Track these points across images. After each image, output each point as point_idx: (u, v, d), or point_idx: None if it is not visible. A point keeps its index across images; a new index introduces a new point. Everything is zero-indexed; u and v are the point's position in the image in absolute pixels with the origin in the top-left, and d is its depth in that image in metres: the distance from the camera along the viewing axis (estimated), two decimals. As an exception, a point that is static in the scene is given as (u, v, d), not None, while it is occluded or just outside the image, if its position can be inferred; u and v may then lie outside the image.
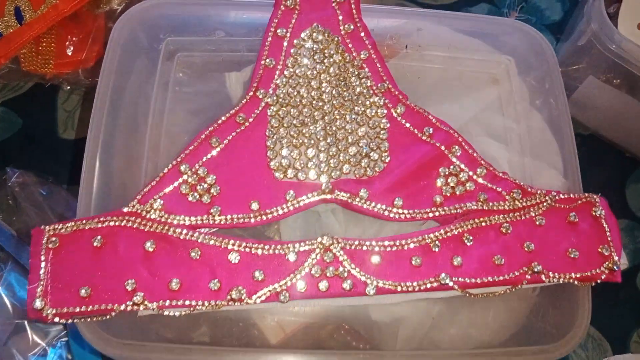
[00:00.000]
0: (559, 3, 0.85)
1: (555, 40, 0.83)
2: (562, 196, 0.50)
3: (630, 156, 0.76)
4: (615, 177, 0.75)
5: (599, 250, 0.48)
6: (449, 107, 0.55)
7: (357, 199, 0.48)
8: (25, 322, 0.58)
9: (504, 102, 0.56)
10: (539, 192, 0.50)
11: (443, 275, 0.45)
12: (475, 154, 0.50)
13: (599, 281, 0.48)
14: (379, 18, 0.56)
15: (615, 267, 0.48)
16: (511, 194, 0.49)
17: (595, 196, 0.50)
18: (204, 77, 0.56)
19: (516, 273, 0.46)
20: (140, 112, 0.53)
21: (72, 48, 0.67)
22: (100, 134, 0.50)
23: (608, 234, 0.49)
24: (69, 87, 0.72)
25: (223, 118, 0.49)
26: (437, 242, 0.47)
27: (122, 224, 0.45)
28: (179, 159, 0.48)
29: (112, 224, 0.45)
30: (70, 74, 0.69)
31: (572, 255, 0.48)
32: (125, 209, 0.46)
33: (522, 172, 0.54)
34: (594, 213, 0.50)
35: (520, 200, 0.49)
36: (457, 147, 0.50)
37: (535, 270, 0.46)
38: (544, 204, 0.49)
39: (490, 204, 0.49)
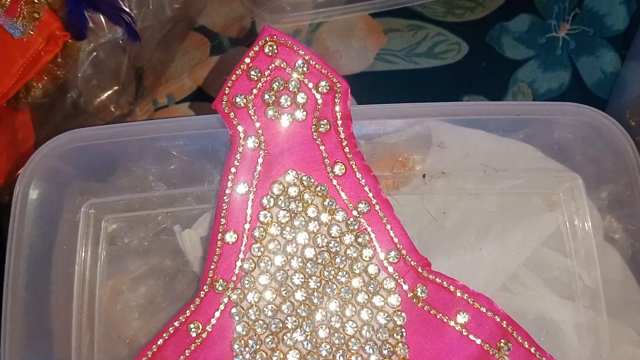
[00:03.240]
0: (623, 6, 0.64)
1: (619, 58, 0.63)
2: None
3: None
4: None
5: None
6: (489, 249, 0.40)
7: None
8: None
9: (567, 236, 0.40)
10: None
11: None
12: (532, 349, 0.35)
13: None
14: (374, 125, 0.39)
15: None
16: (587, 410, 0.34)
17: None
18: (146, 230, 0.41)
19: None
20: (66, 294, 0.39)
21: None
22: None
23: None
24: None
25: (170, 330, 0.35)
26: None
27: None
28: (114, 400, 0.34)
29: None
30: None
31: None
32: None
33: (594, 339, 0.39)
34: None
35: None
36: (506, 341, 0.35)
37: None
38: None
39: None
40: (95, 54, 0.54)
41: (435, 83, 0.62)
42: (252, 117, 0.36)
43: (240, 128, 0.36)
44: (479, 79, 0.63)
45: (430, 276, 0.36)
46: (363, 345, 0.35)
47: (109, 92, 0.57)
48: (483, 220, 0.40)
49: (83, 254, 0.40)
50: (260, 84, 0.36)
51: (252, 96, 0.36)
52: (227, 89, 0.36)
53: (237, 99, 0.36)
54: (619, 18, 0.64)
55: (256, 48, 0.36)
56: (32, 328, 0.37)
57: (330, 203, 0.36)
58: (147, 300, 0.41)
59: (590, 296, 0.39)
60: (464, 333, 0.35)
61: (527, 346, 0.35)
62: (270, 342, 0.35)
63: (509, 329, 0.35)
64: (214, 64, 0.61)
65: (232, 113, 0.36)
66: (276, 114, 0.36)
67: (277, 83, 0.36)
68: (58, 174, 0.40)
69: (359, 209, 0.36)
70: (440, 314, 0.35)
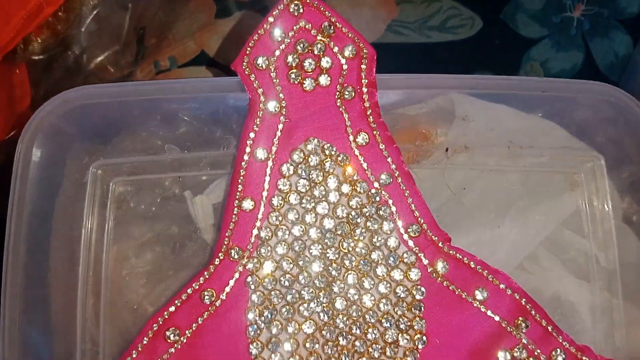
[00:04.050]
0: (639, -13, 0.64)
1: (632, 41, 0.62)
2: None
3: None
4: None
5: None
6: (508, 227, 0.39)
7: (381, 410, 0.34)
8: None
9: (587, 217, 0.39)
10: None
11: None
12: (550, 327, 0.35)
13: None
14: (397, 95, 0.38)
15: None
16: (602, 391, 0.34)
17: None
18: (155, 194, 0.40)
19: None
20: (69, 259, 0.38)
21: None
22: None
23: None
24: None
25: (182, 297, 0.34)
26: None
27: None
28: (123, 366, 0.33)
29: None
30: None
31: None
32: None
33: (608, 321, 0.39)
34: None
35: (615, 400, 0.34)
36: (523, 318, 0.34)
37: None
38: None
39: (572, 409, 0.34)
40: (97, 10, 0.52)
41: (447, 58, 0.61)
42: (274, 81, 0.34)
43: (260, 91, 0.34)
44: (491, 55, 0.61)
45: (451, 252, 0.35)
46: (380, 318, 0.34)
47: (109, 52, 0.55)
48: (503, 198, 0.39)
49: (90, 217, 0.38)
50: (283, 45, 0.34)
51: (275, 58, 0.34)
52: (248, 49, 0.34)
53: (259, 60, 0.34)
54: (632, 1, 0.63)
55: (280, 7, 0.34)
56: (33, 292, 0.36)
57: (352, 173, 0.35)
58: (153, 267, 0.40)
59: (607, 278, 0.39)
60: (482, 309, 0.34)
61: (544, 324, 0.35)
62: (285, 313, 0.34)
63: (527, 306, 0.35)
64: (220, 27, 0.59)
65: (252, 75, 0.34)
66: (299, 78, 0.34)
67: (301, 45, 0.34)
68: (62, 133, 0.38)
69: (381, 181, 0.35)
70: (459, 290, 0.35)
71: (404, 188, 0.35)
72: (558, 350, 0.34)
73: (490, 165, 0.39)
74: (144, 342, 0.33)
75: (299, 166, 0.35)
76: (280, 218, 0.35)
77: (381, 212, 0.35)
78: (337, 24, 0.34)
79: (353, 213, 0.35)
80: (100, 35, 0.54)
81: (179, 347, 0.33)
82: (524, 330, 0.34)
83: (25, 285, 0.35)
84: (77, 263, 0.37)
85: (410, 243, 0.35)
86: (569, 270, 0.39)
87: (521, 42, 0.61)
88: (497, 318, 0.34)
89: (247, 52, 0.34)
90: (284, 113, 0.35)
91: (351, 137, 0.35)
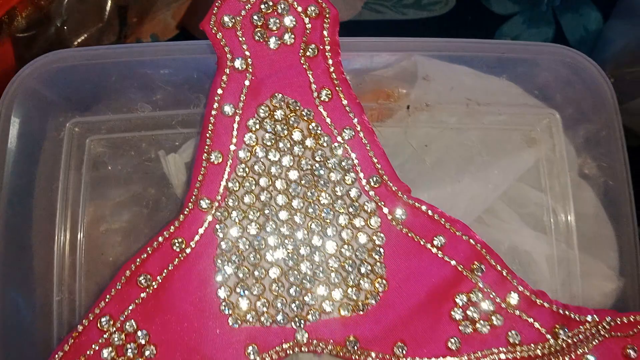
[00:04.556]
0: (608, -36, 0.66)
1: (602, 16, 0.64)
2: (618, 321, 0.37)
3: None
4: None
5: (666, 396, 0.36)
6: (468, 182, 0.41)
7: (344, 350, 0.35)
8: None
9: (543, 172, 0.41)
10: (589, 319, 0.36)
11: None
12: (504, 271, 0.36)
13: None
14: (363, 58, 0.40)
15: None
16: (554, 330, 0.36)
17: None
18: (130, 155, 0.41)
19: None
20: (48, 214, 0.39)
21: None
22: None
23: (680, 372, 0.36)
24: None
25: (154, 244, 0.36)
26: (452, 411, 0.35)
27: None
28: (96, 310, 0.35)
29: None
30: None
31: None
32: (32, 387, 0.34)
33: (566, 272, 0.40)
34: (661, 341, 0.37)
35: (566, 338, 0.36)
36: (479, 263, 0.36)
37: None
38: (595, 336, 0.36)
39: (526, 347, 0.36)
40: (78, -14, 0.53)
41: (422, 34, 0.62)
42: (240, 39, 0.36)
43: (227, 49, 0.36)
44: (464, 32, 0.63)
45: (410, 201, 0.37)
46: (343, 263, 0.36)
47: (92, 29, 0.56)
48: (463, 155, 0.41)
49: (68, 173, 0.40)
50: (249, 5, 0.36)
51: (240, 17, 0.36)
52: (215, 8, 0.36)
53: (225, 19, 0.36)
54: (603, -23, 0.65)
55: (246, -31, 0.36)
56: (13, 244, 0.38)
57: (316, 128, 0.37)
58: (130, 225, 0.41)
59: (563, 230, 0.41)
60: (440, 255, 0.36)
61: (499, 269, 0.36)
62: (252, 259, 0.36)
63: (482, 252, 0.36)
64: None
65: (219, 34, 0.36)
66: (264, 36, 0.36)
67: (265, 5, 0.36)
68: (41, 94, 0.40)
69: (344, 135, 0.37)
70: (418, 237, 0.36)
71: (366, 142, 0.37)
72: (512, 292, 0.36)
73: (450, 124, 0.41)
74: (118, 287, 0.35)
75: (265, 120, 0.37)
76: (247, 170, 0.36)
77: (343, 164, 0.37)
78: (300, -16, 0.36)
79: (317, 165, 0.37)
80: (82, 12, 0.55)
81: (150, 292, 0.35)
82: (479, 274, 0.36)
83: (6, 237, 0.37)
84: (54, 217, 0.39)
85: (371, 193, 0.37)
86: (526, 223, 0.41)
87: (493, 18, 0.63)
88: (453, 263, 0.36)
89: (214, 11, 0.36)
90: (250, 70, 0.37)
91: (315, 94, 0.37)
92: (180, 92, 0.40)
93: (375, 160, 0.37)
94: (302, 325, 0.35)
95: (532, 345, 0.36)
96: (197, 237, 0.36)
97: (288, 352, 0.35)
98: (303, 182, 0.36)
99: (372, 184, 0.37)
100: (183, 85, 0.42)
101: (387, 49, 0.40)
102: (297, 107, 0.37)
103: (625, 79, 0.54)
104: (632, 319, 0.37)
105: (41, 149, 0.39)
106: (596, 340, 0.36)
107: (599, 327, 0.36)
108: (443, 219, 0.37)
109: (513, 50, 0.41)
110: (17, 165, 0.38)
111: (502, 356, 0.35)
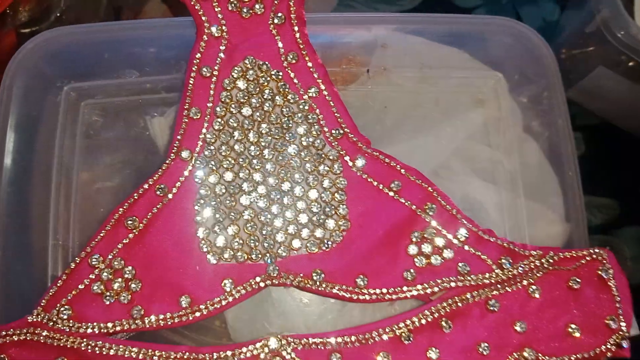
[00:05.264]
0: (563, -45, 0.71)
1: (559, 8, 0.70)
2: (561, 255, 0.41)
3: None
4: (629, 176, 0.65)
5: (606, 321, 0.40)
6: (423, 140, 0.45)
7: (311, 282, 0.39)
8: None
9: (492, 129, 0.46)
10: (533, 253, 0.41)
11: (415, 375, 0.37)
12: (454, 211, 0.41)
13: (603, 360, 0.40)
14: (328, 31, 0.45)
15: (624, 344, 0.40)
16: (499, 261, 0.40)
17: (602, 251, 0.41)
18: (120, 123, 0.46)
19: (505, 363, 0.38)
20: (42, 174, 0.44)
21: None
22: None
23: (617, 300, 0.40)
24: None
25: (140, 191, 0.40)
26: (409, 333, 0.38)
27: (27, 338, 0.37)
28: (88, 249, 0.39)
29: (15, 338, 0.37)
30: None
31: (572, 333, 0.39)
32: (30, 318, 0.38)
33: (514, 218, 0.45)
34: (600, 273, 0.41)
35: (511, 269, 0.40)
36: (431, 204, 0.41)
37: (528, 358, 0.38)
38: (540, 269, 0.40)
39: (474, 276, 0.40)
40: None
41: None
42: (216, 9, 0.41)
43: (205, 18, 0.41)
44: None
45: (369, 150, 0.41)
46: (309, 205, 0.40)
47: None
48: (419, 115, 0.46)
49: (62, 134, 0.44)
50: (223, -21, 0.41)
51: (216, -10, 0.41)
52: (194, -17, 0.41)
53: (203, -9, 0.41)
54: (559, -29, 0.71)
55: (221, -53, 0.41)
56: (14, 200, 0.42)
57: (284, 86, 0.41)
58: (121, 187, 0.46)
59: (511, 180, 0.45)
60: (396, 197, 0.40)
61: (449, 209, 0.41)
62: (228, 202, 0.40)
63: (434, 194, 0.41)
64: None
65: (198, 4, 0.41)
66: (237, 6, 0.41)
67: (237, -22, 0.41)
68: (40, 69, 0.44)
69: (309, 93, 0.41)
70: (377, 182, 0.41)
71: (329, 99, 0.42)
72: (461, 229, 0.40)
73: (407, 87, 0.46)
74: (107, 229, 0.39)
75: (238, 80, 0.41)
76: (223, 124, 0.41)
77: (309, 118, 0.41)
78: (268, -40, 0.41)
79: (285, 119, 0.41)
80: (81, 11, 0.60)
81: (137, 232, 0.39)
82: (431, 214, 0.40)
83: (8, 192, 0.41)
84: (51, 172, 0.43)
85: (334, 143, 0.41)
86: (477, 175, 0.45)
87: (458, 11, 0.68)
88: (408, 204, 0.40)
89: (193, -15, 0.41)
90: (225, 37, 0.41)
91: (283, 57, 0.42)
92: (166, 61, 0.45)
93: (338, 115, 0.41)
94: (273, 261, 0.40)
95: (480, 275, 0.40)
96: (178, 184, 0.40)
97: (260, 284, 0.39)
98: (273, 134, 0.41)
99: (335, 135, 0.41)
100: (168, 55, 0.46)
101: (349, 22, 0.45)
102: (267, 68, 0.41)
103: (576, 58, 0.60)
104: (574, 254, 0.41)
105: (42, 114, 0.44)
106: (540, 273, 0.40)
107: (543, 260, 0.40)
108: (399, 166, 0.41)
109: (464, 22, 0.46)
110: (19, 127, 0.42)
111: (453, 284, 0.39)
